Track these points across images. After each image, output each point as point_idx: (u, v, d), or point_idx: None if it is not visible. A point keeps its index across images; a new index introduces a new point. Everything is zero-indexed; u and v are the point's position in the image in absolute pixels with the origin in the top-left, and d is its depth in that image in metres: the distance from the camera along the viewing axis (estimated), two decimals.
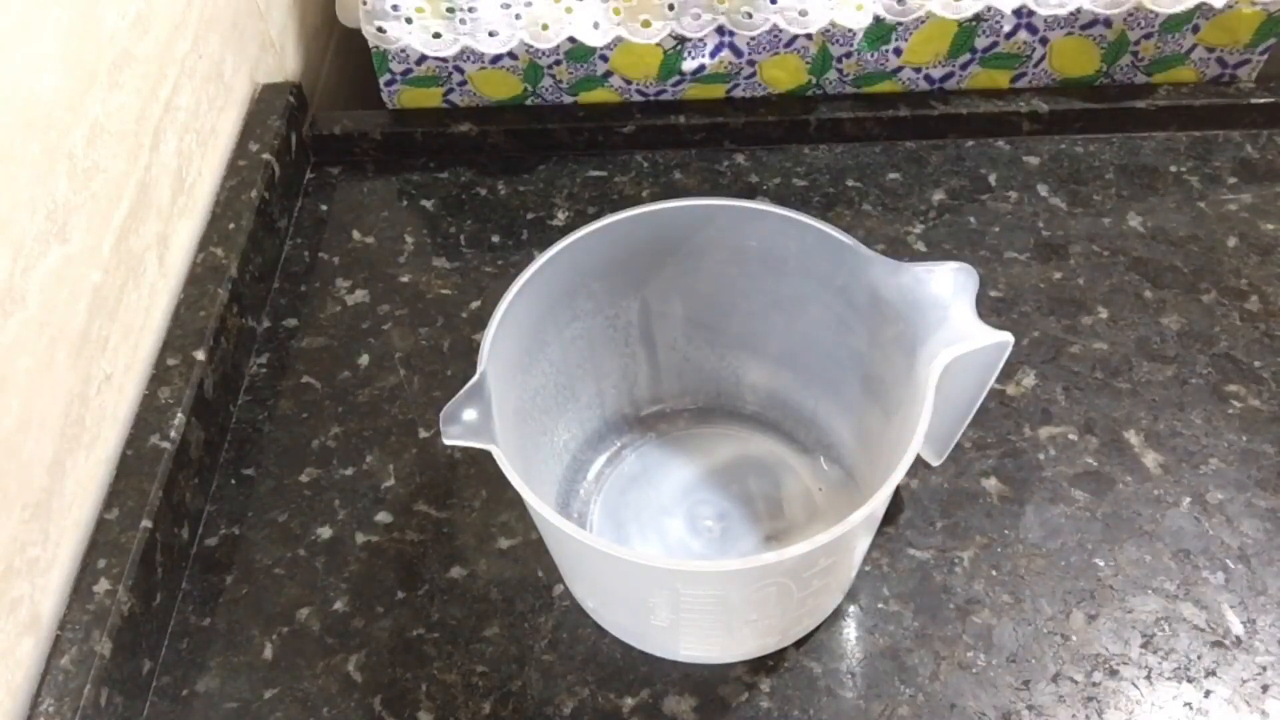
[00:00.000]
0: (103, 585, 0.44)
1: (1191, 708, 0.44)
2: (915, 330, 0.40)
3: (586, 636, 0.46)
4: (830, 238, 0.43)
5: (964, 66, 0.67)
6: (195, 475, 0.50)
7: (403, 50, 0.64)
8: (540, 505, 0.37)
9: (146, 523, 0.45)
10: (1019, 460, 0.52)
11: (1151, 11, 0.63)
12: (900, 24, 0.64)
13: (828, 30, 0.63)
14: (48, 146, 0.43)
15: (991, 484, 0.51)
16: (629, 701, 0.44)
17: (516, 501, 0.47)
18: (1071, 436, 0.52)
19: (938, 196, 0.64)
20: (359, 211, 0.65)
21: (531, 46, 0.62)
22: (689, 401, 0.53)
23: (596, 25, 0.61)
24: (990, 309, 0.58)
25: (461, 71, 0.66)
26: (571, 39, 0.62)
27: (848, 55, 0.65)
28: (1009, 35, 0.65)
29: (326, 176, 0.67)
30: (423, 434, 0.54)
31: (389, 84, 0.67)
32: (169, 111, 0.53)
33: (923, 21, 0.64)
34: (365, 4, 0.61)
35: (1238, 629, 0.46)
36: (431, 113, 0.68)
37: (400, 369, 0.56)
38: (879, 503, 0.37)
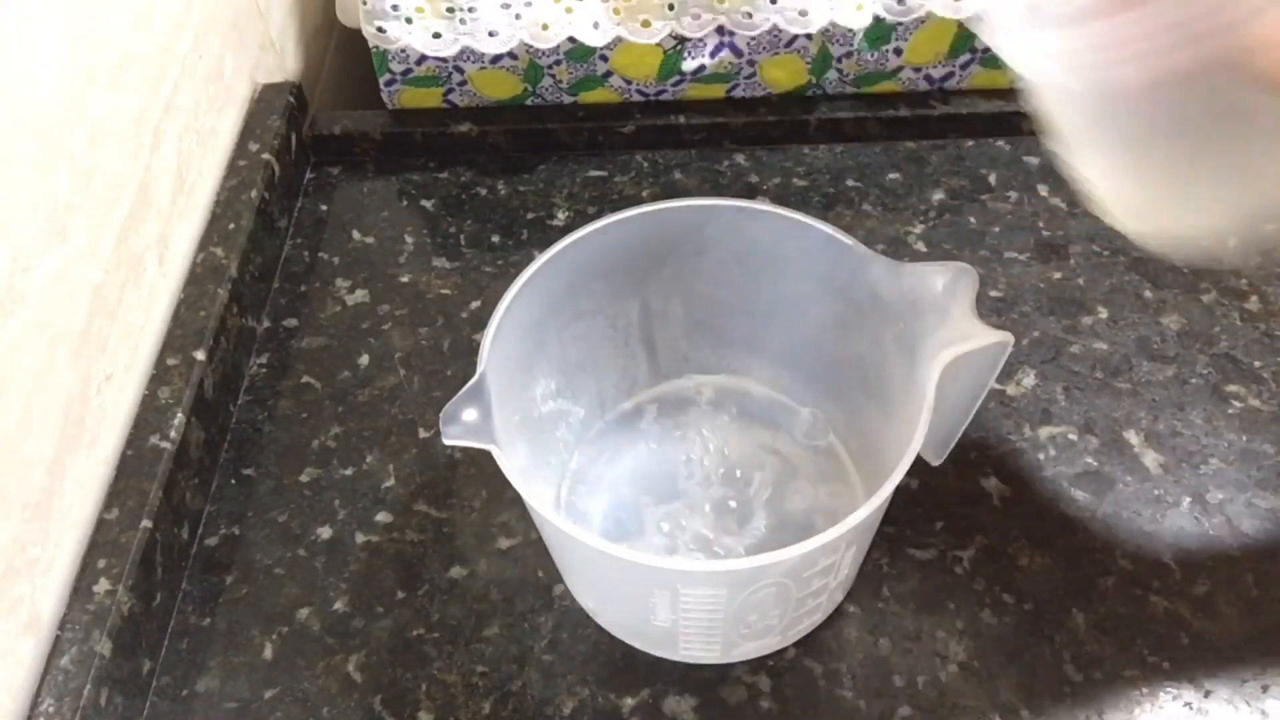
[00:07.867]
0: (103, 585, 0.44)
1: (1191, 708, 0.44)
2: (915, 330, 0.40)
3: (586, 636, 0.46)
4: (830, 238, 0.43)
5: (964, 66, 0.67)
6: (195, 475, 0.50)
7: (403, 50, 0.64)
8: (540, 505, 0.37)
9: (146, 523, 0.45)
10: (1019, 460, 0.52)
11: None
12: (900, 24, 0.64)
13: (828, 30, 0.63)
14: (48, 146, 0.43)
15: (991, 484, 0.51)
16: (629, 701, 0.44)
17: (516, 501, 0.47)
18: (1071, 436, 0.52)
19: (938, 196, 0.64)
20: (359, 211, 0.65)
21: (531, 46, 0.62)
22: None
23: (596, 25, 0.61)
24: (990, 309, 0.58)
25: (461, 71, 0.66)
26: (571, 39, 0.62)
27: (848, 55, 0.65)
28: None
29: (326, 176, 0.67)
30: (423, 434, 0.54)
31: (389, 84, 0.67)
32: (169, 111, 0.53)
33: (923, 21, 0.64)
34: (365, 4, 0.61)
35: None
36: (431, 113, 0.68)
37: (400, 369, 0.56)
38: (879, 503, 0.37)
